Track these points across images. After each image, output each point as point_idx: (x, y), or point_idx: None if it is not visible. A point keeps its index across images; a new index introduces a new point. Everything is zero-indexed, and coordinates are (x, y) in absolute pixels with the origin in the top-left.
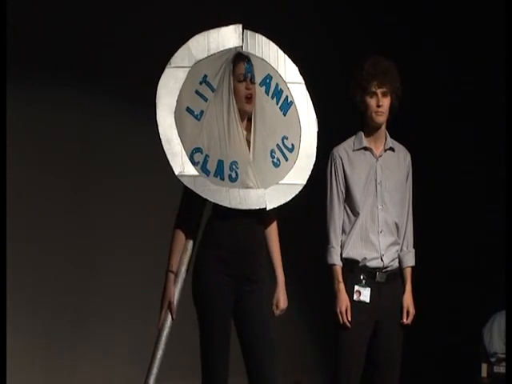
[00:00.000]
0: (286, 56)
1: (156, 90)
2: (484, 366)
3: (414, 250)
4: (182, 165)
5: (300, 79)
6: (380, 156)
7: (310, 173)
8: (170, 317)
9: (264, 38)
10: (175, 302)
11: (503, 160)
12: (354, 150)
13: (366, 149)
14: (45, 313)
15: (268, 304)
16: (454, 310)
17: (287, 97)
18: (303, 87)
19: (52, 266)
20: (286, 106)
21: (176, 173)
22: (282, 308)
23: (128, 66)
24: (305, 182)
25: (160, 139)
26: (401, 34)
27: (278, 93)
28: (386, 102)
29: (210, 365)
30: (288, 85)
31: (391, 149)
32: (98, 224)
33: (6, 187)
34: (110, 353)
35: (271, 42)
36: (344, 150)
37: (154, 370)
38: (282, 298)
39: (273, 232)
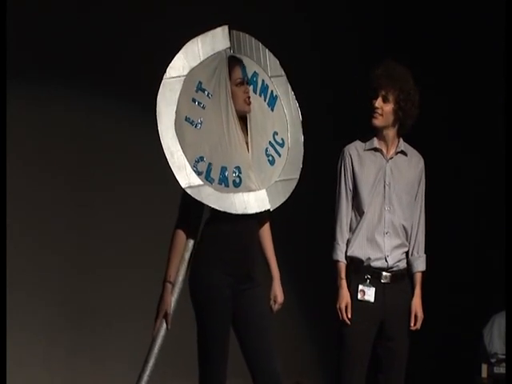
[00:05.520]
0: (267, 50)
1: (155, 103)
2: (484, 367)
3: (424, 256)
4: (187, 177)
5: (281, 72)
6: (391, 158)
7: (301, 165)
8: (164, 327)
9: (247, 36)
10: (171, 313)
11: (503, 166)
12: (364, 150)
13: (376, 150)
14: (45, 313)
15: (265, 299)
16: (454, 311)
17: (272, 91)
18: (285, 79)
19: (52, 266)
20: (273, 100)
21: (183, 186)
22: (280, 302)
23: (128, 66)
24: (298, 176)
25: (164, 152)
26: (401, 33)
27: (264, 89)
28: (384, 106)
29: (208, 366)
30: (272, 79)
31: (403, 152)
32: (98, 225)
33: (6, 187)
34: (111, 354)
35: (254, 39)
36: (355, 149)
37: (145, 378)
38: (279, 293)
39: (266, 230)
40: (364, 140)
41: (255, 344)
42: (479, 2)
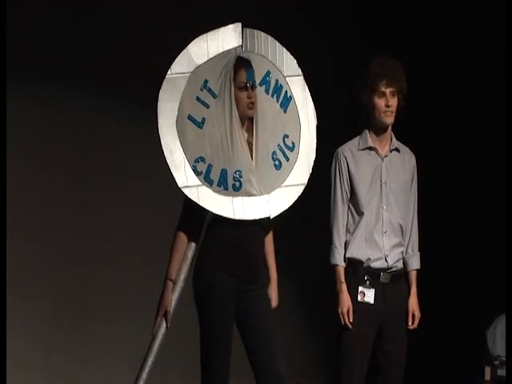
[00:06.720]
0: (285, 49)
1: (157, 99)
2: (487, 369)
3: (419, 253)
4: (185, 176)
5: (298, 71)
6: (385, 156)
7: (310, 171)
8: (164, 325)
9: (263, 34)
10: (171, 311)
11: (503, 166)
12: (359, 150)
13: (370, 149)
14: (45, 314)
15: (269, 300)
16: (457, 313)
17: (286, 92)
18: (301, 79)
19: (52, 266)
20: (286, 101)
21: (179, 185)
22: (273, 307)
23: (128, 66)
24: (306, 182)
25: (162, 150)
26: (402, 33)
27: (277, 89)
28: (394, 102)
29: (210, 365)
30: (287, 78)
31: (396, 150)
32: (98, 225)
33: (6, 187)
34: (110, 354)
35: (270, 37)
36: (349, 150)
37: (144, 376)
38: (274, 297)
39: (268, 237)
40: (356, 139)
41: (258, 343)
42: (479, 2)
